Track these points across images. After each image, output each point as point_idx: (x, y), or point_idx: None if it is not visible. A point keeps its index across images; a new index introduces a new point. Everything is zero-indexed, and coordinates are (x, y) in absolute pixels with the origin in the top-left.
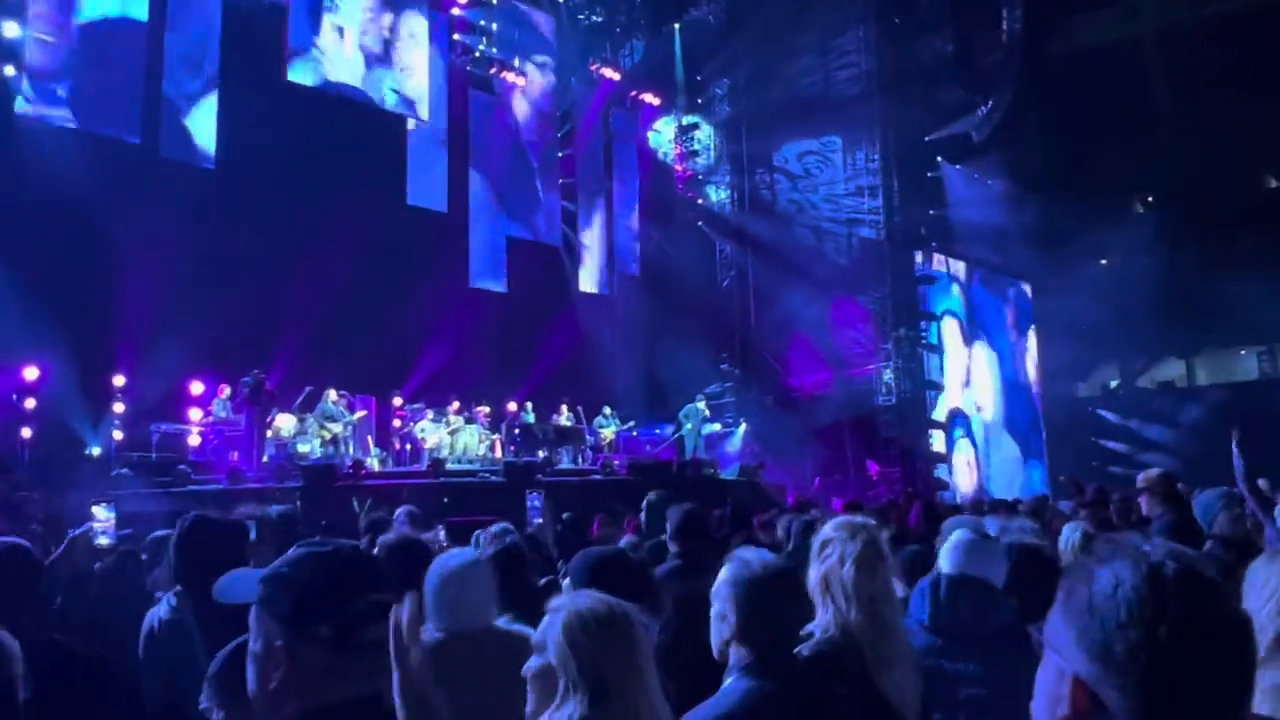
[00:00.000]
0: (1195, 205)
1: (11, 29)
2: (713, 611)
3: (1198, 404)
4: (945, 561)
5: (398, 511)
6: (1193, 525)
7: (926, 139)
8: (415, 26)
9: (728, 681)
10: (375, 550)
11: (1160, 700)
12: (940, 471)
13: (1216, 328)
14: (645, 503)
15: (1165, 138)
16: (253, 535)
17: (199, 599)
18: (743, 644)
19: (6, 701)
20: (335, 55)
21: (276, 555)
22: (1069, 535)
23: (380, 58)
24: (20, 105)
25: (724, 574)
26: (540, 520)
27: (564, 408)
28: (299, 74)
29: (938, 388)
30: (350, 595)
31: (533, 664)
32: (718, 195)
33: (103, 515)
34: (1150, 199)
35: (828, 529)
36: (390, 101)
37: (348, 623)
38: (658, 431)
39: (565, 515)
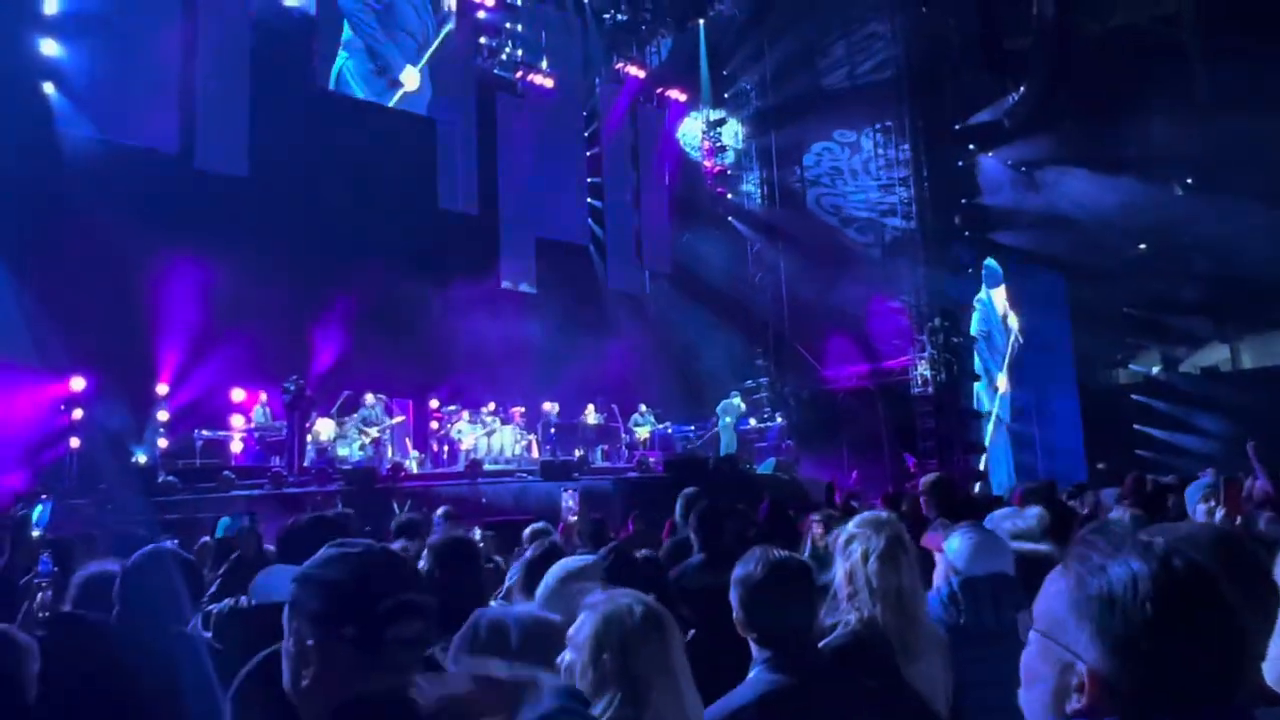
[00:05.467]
0: (1236, 185)
1: (50, 47)
2: None
3: (1243, 389)
4: (957, 561)
5: (436, 513)
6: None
7: (957, 127)
8: (442, 30)
9: (750, 675)
10: (424, 550)
11: (1178, 685)
12: (977, 462)
13: (1260, 310)
14: (681, 499)
15: (1204, 116)
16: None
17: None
18: (754, 638)
19: (16, 698)
20: (364, 61)
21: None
22: (1118, 518)
23: (408, 62)
24: (60, 120)
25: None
26: (574, 518)
27: (590, 407)
28: (329, 80)
29: (974, 378)
30: (378, 595)
31: (565, 659)
32: (747, 190)
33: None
34: (1189, 180)
35: (852, 525)
36: (419, 105)
37: (375, 621)
38: (692, 429)
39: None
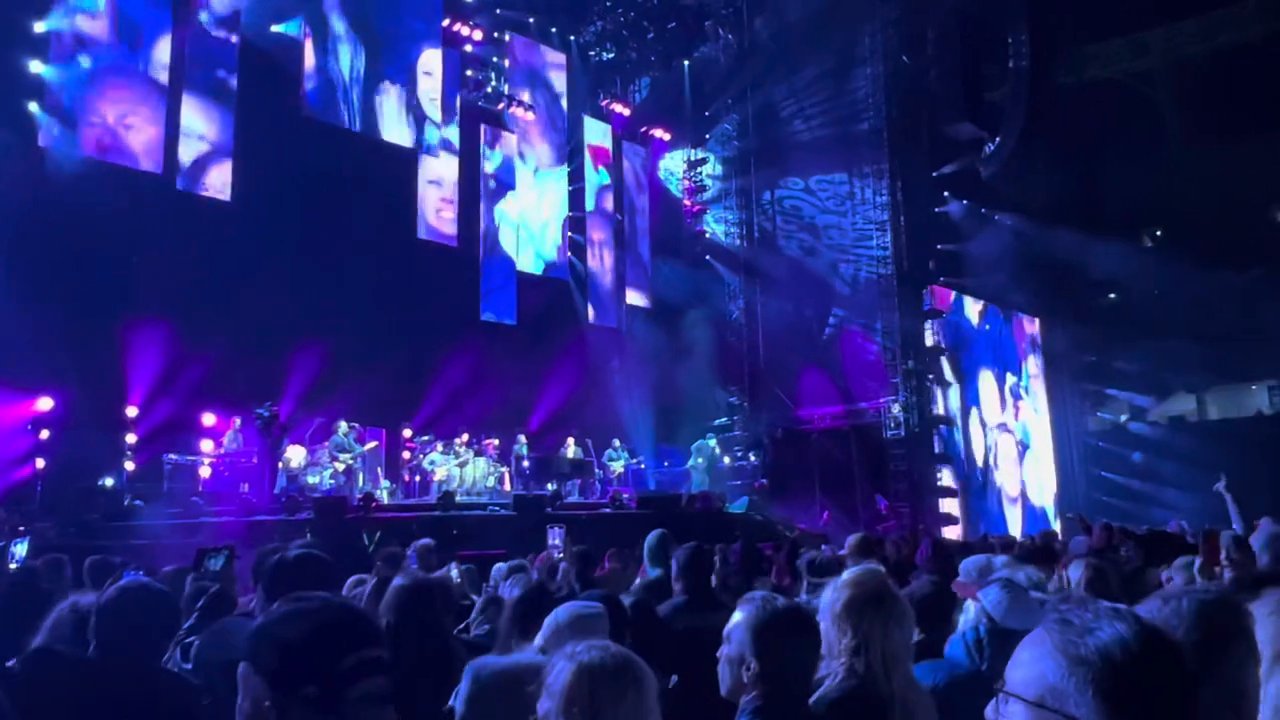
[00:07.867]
0: (1205, 238)
1: (36, 66)
2: (725, 652)
3: (1209, 439)
4: (995, 611)
5: (412, 546)
6: None
7: (935, 174)
8: (429, 62)
9: None
10: (389, 589)
11: None
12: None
13: (1227, 362)
14: (645, 543)
15: (1175, 170)
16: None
17: None
18: (757, 687)
19: None
20: (349, 90)
21: None
22: (1076, 574)
23: (393, 92)
24: (43, 138)
25: (739, 616)
26: (559, 555)
27: (570, 441)
28: (313, 108)
29: (948, 422)
30: (338, 654)
31: (540, 708)
32: (726, 229)
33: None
34: (1159, 232)
35: (843, 576)
36: (402, 136)
37: (337, 681)
38: (666, 464)
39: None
